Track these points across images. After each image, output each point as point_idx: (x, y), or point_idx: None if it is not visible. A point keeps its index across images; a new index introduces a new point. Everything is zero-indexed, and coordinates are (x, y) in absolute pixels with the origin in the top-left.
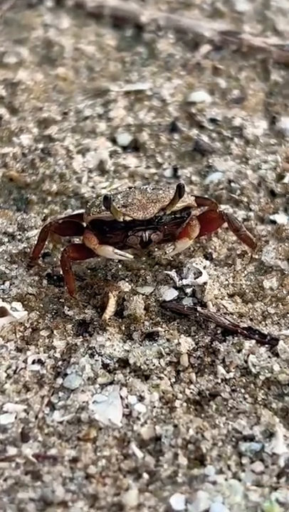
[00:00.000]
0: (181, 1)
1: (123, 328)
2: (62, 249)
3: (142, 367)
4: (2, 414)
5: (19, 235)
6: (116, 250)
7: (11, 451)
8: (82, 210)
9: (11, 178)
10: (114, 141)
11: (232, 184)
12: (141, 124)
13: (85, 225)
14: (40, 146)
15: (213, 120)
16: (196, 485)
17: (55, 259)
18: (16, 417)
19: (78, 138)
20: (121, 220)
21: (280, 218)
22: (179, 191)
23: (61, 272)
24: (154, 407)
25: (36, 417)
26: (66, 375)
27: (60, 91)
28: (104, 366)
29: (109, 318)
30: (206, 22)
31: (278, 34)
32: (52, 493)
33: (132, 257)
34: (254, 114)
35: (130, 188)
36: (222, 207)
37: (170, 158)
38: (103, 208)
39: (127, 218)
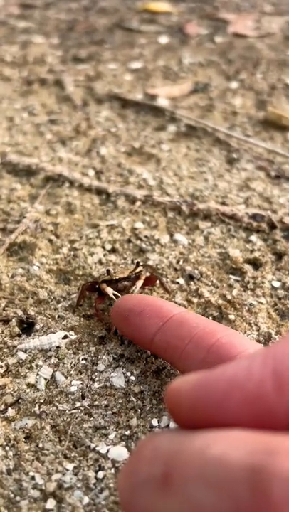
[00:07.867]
0: None
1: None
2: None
3: None
4: None
5: None
6: (111, 290)
7: None
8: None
9: None
10: None
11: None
12: None
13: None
14: None
15: None
16: None
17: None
18: None
19: None
20: (115, 278)
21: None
22: (137, 264)
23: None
24: None
25: None
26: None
27: None
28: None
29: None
30: None
31: None
32: None
33: (118, 295)
34: None
35: (114, 267)
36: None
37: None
38: (108, 275)
39: (118, 276)
